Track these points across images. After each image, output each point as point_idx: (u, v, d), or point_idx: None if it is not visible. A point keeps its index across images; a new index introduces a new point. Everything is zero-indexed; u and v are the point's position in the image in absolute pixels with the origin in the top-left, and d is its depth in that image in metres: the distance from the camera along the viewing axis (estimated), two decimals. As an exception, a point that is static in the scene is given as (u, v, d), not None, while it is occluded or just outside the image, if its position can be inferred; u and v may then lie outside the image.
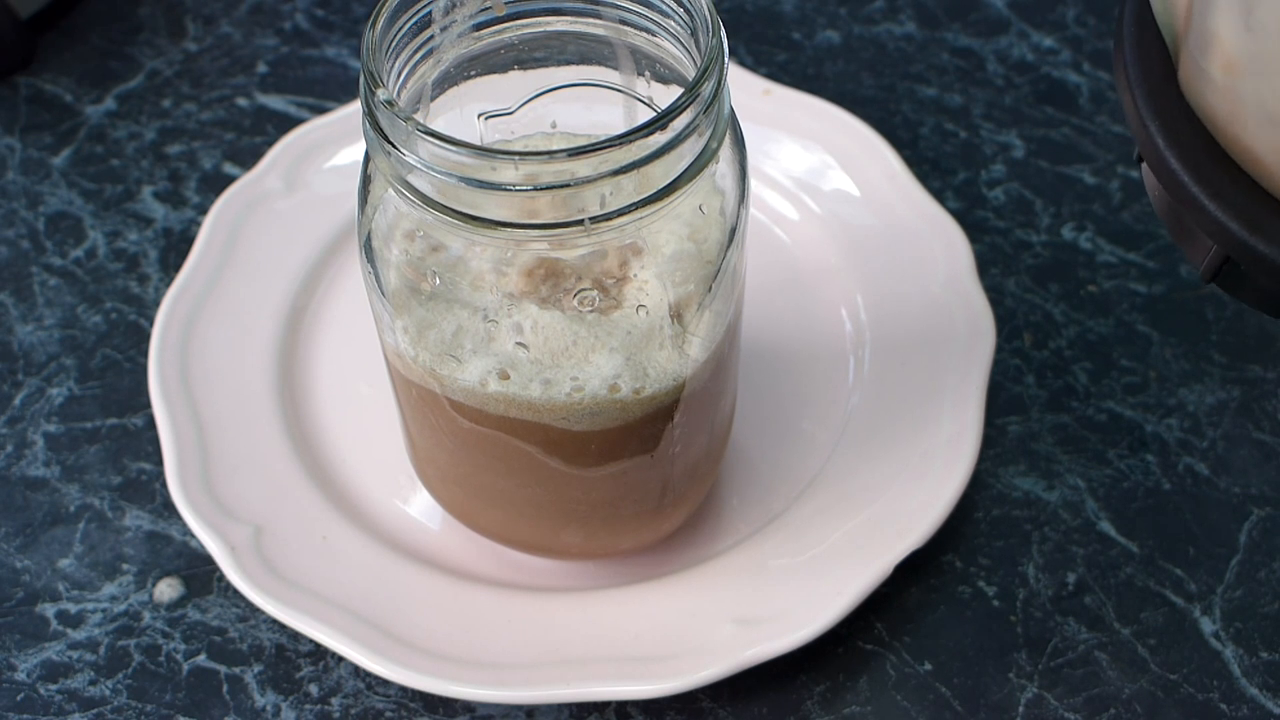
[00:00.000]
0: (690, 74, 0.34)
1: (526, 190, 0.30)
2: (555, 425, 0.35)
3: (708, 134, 0.32)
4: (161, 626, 0.42)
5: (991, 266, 0.50)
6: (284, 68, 0.57)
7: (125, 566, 0.43)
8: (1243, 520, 0.44)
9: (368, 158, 0.34)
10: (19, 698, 0.40)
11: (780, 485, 0.43)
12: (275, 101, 0.56)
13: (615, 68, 0.36)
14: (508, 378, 0.34)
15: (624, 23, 0.35)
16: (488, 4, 0.35)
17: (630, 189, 0.31)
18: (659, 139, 0.31)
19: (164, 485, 0.44)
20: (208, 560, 0.43)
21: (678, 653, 0.39)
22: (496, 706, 0.40)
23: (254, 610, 0.42)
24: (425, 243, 0.34)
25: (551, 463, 0.37)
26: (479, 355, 0.34)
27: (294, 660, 0.41)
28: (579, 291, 0.34)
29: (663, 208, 0.32)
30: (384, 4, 0.33)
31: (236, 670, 0.41)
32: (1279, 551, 0.43)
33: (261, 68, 0.57)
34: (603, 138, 0.30)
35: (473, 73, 0.36)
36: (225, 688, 0.40)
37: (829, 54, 0.58)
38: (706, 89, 0.31)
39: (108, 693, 0.40)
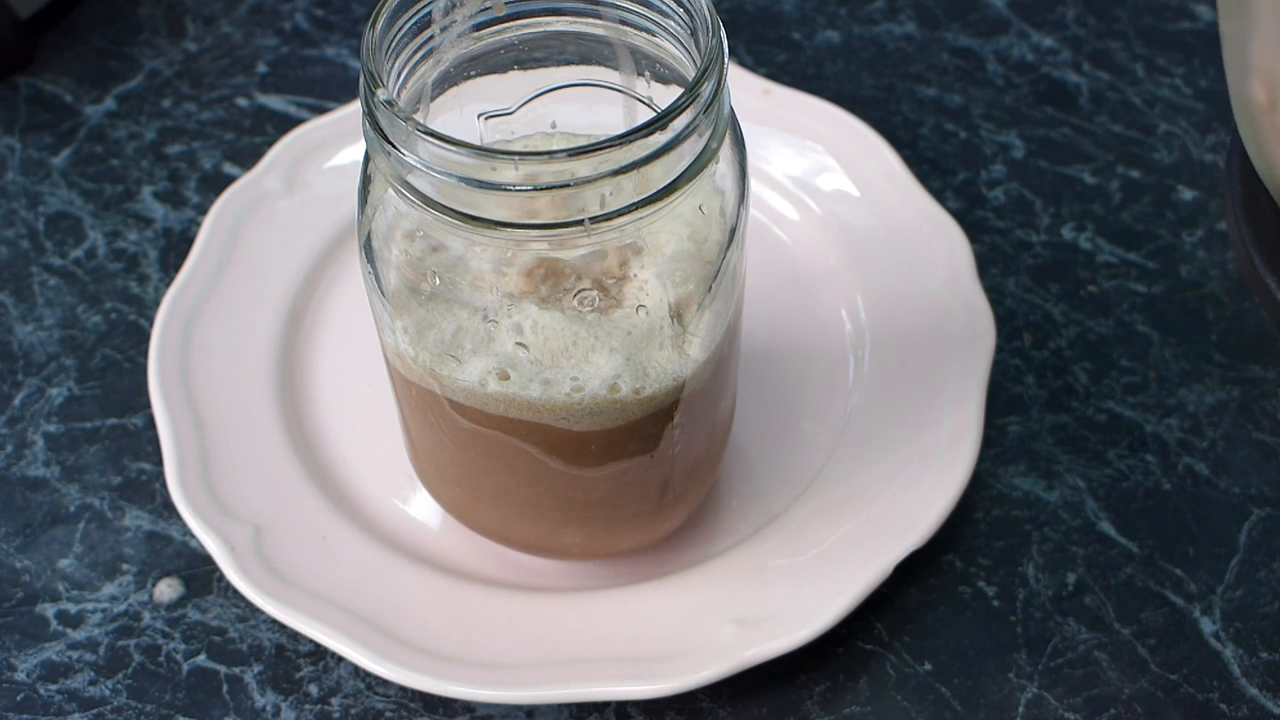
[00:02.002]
0: (690, 74, 0.34)
1: (526, 190, 0.30)
2: (555, 425, 0.35)
3: (708, 134, 0.32)
4: (161, 626, 0.42)
5: (991, 266, 0.50)
6: (284, 68, 0.57)
7: (125, 566, 0.43)
8: (1243, 520, 0.44)
9: (368, 158, 0.34)
10: (19, 698, 0.40)
11: (780, 485, 0.43)
12: (275, 101, 0.56)
13: (615, 68, 0.36)
14: (508, 378, 0.34)
15: (624, 23, 0.35)
16: (488, 4, 0.35)
17: (630, 189, 0.31)
18: (659, 139, 0.31)
19: (164, 485, 0.44)
20: (208, 560, 0.43)
21: (678, 653, 0.39)
22: (496, 706, 0.40)
23: (254, 610, 0.42)
24: (425, 243, 0.34)
25: (551, 463, 0.37)
26: (479, 355, 0.34)
27: (294, 660, 0.41)
28: (579, 291, 0.34)
29: (663, 208, 0.32)
30: (384, 4, 0.33)
31: (236, 670, 0.41)
32: (1279, 551, 0.43)
33: (261, 68, 0.57)
34: (603, 138, 0.30)
35: (473, 73, 0.36)
36: (225, 688, 0.40)
37: (829, 54, 0.58)
38: (706, 89, 0.31)
39: (108, 693, 0.40)
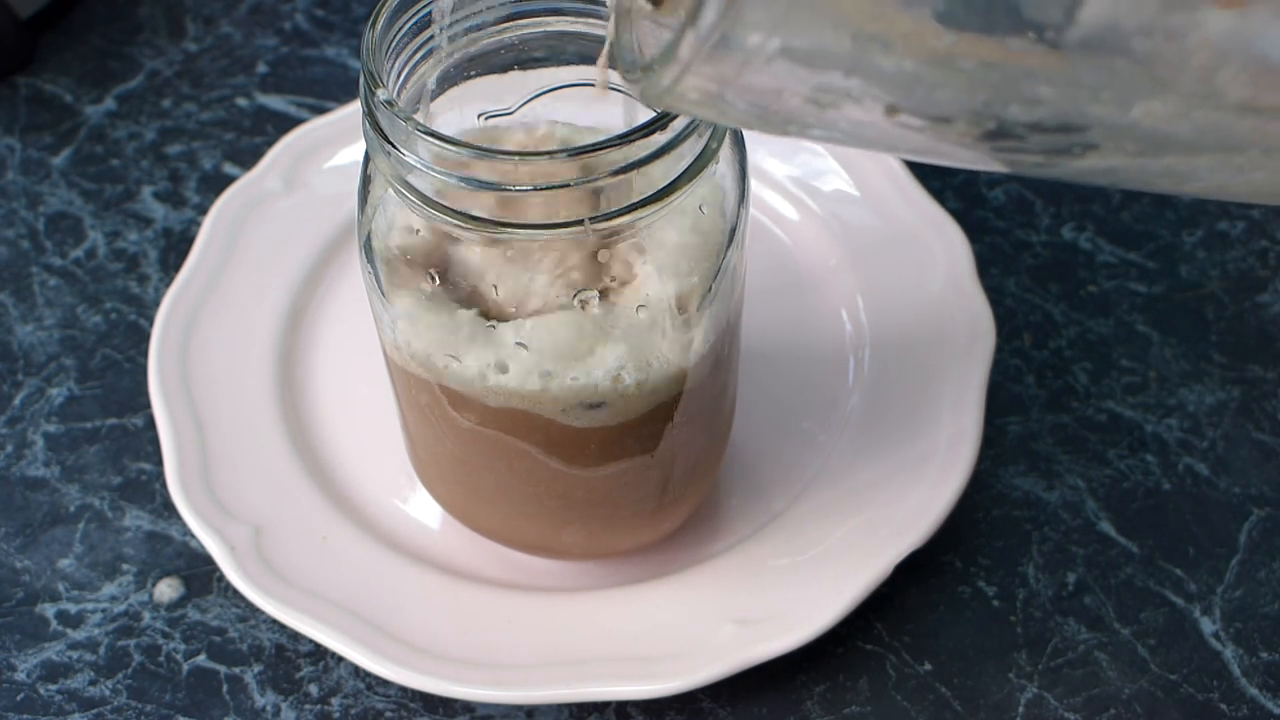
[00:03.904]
0: (690, 74, 0.34)
1: (527, 190, 0.30)
2: (555, 422, 0.35)
3: (708, 134, 0.32)
4: (161, 626, 0.42)
5: (991, 266, 0.50)
6: (284, 68, 0.57)
7: (125, 566, 0.43)
8: (1243, 520, 0.44)
9: (368, 158, 0.34)
10: (19, 698, 0.40)
11: (780, 485, 0.43)
12: (275, 101, 0.56)
13: (615, 67, 0.36)
14: (507, 373, 0.34)
15: (624, 23, 0.35)
16: (488, 4, 0.35)
17: (630, 189, 0.31)
18: (659, 139, 0.31)
19: (164, 485, 0.44)
20: (208, 560, 0.43)
21: (678, 653, 0.39)
22: (496, 706, 0.40)
23: (254, 610, 0.42)
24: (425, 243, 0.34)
25: (551, 462, 0.37)
26: (479, 355, 0.34)
27: (294, 660, 0.41)
28: (579, 291, 0.34)
29: (663, 208, 0.32)
30: (384, 4, 0.33)
31: (236, 670, 0.41)
32: (1279, 551, 0.43)
33: (261, 68, 0.57)
34: (603, 138, 0.30)
35: (473, 73, 0.36)
36: (225, 688, 0.40)
37: (829, 54, 0.58)
38: (706, 89, 0.31)
39: (108, 693, 0.40)
